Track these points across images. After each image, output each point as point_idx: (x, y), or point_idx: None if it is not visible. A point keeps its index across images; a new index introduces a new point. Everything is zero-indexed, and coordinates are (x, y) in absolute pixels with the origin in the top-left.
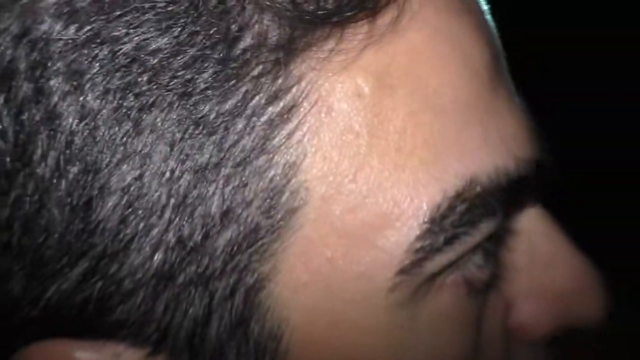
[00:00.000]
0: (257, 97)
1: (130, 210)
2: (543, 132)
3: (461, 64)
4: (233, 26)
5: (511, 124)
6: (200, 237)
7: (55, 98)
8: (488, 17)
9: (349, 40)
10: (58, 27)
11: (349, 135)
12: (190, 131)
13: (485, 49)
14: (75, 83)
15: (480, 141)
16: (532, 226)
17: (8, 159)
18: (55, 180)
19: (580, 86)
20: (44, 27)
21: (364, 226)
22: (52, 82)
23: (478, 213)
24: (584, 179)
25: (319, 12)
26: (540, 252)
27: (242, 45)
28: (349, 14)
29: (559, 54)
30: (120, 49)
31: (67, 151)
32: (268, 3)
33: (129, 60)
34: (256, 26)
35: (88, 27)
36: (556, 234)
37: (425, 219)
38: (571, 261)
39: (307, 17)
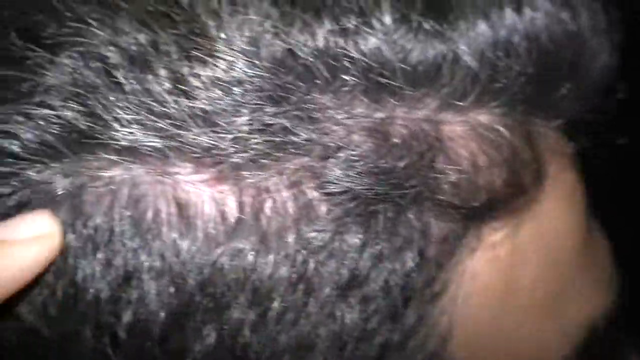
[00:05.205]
0: (419, 281)
1: None
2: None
3: (573, 209)
4: (406, 231)
5: (606, 256)
6: None
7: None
8: None
9: (492, 223)
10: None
11: (488, 299)
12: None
13: (581, 184)
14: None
15: (594, 286)
16: None
17: None
18: None
19: None
20: None
21: None
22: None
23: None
24: None
25: (470, 213)
26: None
27: (413, 252)
28: (493, 214)
29: None
30: None
31: None
32: (431, 206)
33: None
34: (421, 226)
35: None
36: None
37: None
38: None
39: (458, 216)
